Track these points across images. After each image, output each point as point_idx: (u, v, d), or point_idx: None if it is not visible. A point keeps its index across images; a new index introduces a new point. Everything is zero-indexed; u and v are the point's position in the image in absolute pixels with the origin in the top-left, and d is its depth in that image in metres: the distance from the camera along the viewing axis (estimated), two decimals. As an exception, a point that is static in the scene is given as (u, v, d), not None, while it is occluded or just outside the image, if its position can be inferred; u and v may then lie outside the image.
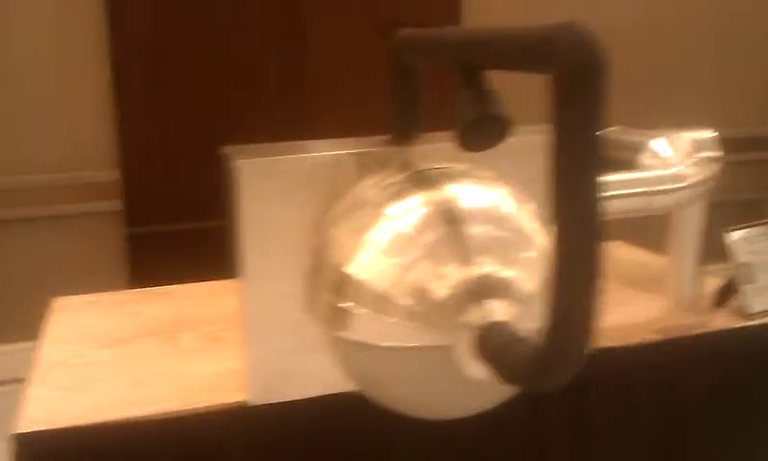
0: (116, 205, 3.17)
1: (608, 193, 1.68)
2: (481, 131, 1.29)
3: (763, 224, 1.97)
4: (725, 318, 1.90)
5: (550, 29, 0.95)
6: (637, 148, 2.03)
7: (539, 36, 0.97)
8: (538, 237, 1.41)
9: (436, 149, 1.53)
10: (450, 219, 1.36)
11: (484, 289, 1.29)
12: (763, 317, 1.88)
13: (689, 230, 1.91)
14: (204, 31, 3.19)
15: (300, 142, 1.59)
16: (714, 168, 1.95)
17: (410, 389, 1.37)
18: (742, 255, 1.92)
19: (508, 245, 1.38)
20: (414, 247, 1.31)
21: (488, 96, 1.30)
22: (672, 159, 1.96)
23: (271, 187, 1.44)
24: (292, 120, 3.25)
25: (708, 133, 2.09)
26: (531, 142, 1.59)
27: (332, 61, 3.30)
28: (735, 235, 1.93)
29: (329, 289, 1.36)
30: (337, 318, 1.35)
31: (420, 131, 1.63)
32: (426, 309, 1.28)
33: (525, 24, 1.05)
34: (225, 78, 3.25)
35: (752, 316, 1.88)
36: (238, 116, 3.27)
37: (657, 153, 2.01)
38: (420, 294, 1.28)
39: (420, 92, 1.61)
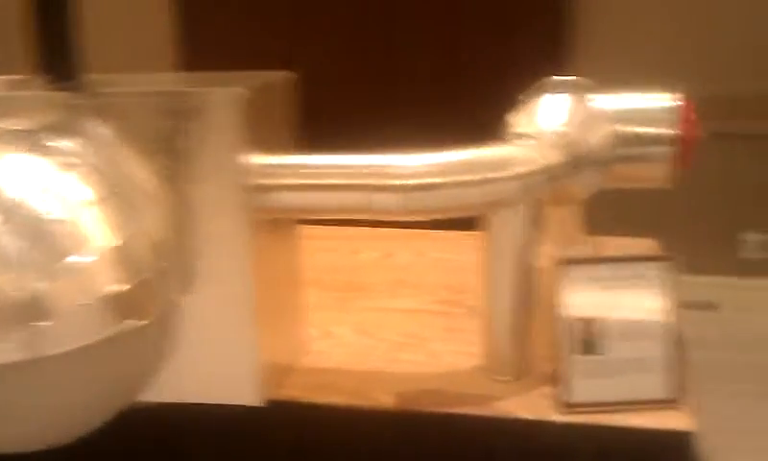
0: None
1: (293, 181, 1.14)
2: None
3: (615, 260, 1.16)
4: (528, 401, 1.18)
5: None
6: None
7: None
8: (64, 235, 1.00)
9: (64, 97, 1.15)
10: None
11: None
12: (586, 413, 1.13)
13: (501, 248, 1.21)
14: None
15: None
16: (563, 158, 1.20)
17: None
18: (577, 305, 1.16)
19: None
20: None
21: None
22: (533, 134, 1.25)
23: None
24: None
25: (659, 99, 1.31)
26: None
27: None
28: (573, 272, 1.17)
29: None
30: None
31: (81, 69, 1.25)
32: None
33: None
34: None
35: (571, 407, 1.14)
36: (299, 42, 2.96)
37: (533, 121, 1.31)
38: None
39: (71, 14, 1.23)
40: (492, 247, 1.21)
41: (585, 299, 1.15)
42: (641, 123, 1.30)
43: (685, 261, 3.03)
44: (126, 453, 1.25)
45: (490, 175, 1.10)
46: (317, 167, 1.15)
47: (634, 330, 1.15)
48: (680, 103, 1.29)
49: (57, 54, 1.23)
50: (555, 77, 1.54)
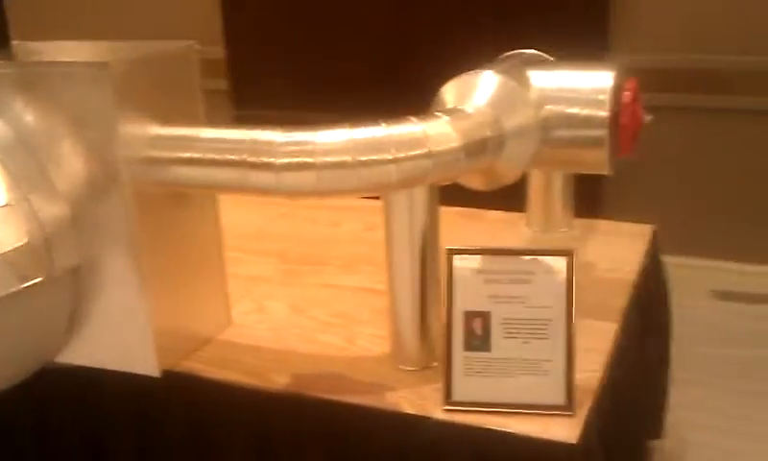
0: (222, 84, 3.14)
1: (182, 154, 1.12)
2: None
3: (511, 253, 1.06)
4: (418, 394, 1.12)
5: None
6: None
7: None
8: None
9: None
10: None
11: None
12: (467, 412, 1.06)
13: (397, 233, 1.14)
14: None
15: None
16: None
17: None
18: (464, 298, 1.08)
19: None
20: None
21: None
22: (453, 111, 1.18)
23: None
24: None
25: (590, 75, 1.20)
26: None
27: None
28: (463, 262, 1.09)
29: None
30: None
31: (7, 37, 1.28)
32: None
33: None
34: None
35: (451, 405, 1.07)
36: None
37: (462, 98, 1.23)
38: None
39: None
40: (389, 231, 1.15)
41: (474, 291, 1.08)
42: (572, 103, 1.20)
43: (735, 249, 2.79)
44: (36, 412, 1.30)
45: (362, 157, 1.04)
46: (197, 141, 1.12)
47: (525, 329, 1.07)
48: (613, 83, 1.18)
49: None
50: (516, 51, 1.45)
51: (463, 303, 1.08)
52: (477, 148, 1.12)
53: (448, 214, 1.69)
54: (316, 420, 1.13)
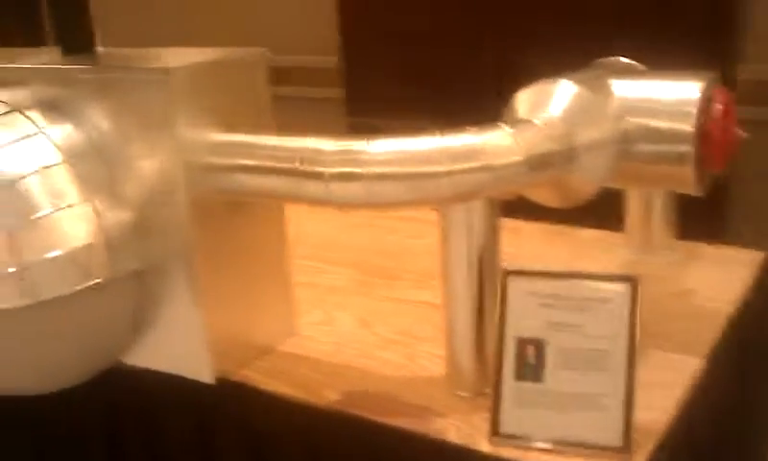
0: (338, 92, 3.12)
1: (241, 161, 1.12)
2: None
3: (570, 276, 0.96)
4: (468, 423, 1.04)
5: None
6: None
7: None
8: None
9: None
10: None
11: None
12: (517, 448, 0.97)
13: (455, 250, 1.07)
14: None
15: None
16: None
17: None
18: (518, 323, 0.99)
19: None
20: None
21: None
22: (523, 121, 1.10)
23: None
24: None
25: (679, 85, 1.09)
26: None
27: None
28: (519, 285, 1.00)
29: None
30: None
31: (92, 41, 1.32)
32: None
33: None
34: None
35: (499, 438, 0.99)
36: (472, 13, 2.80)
37: (535, 107, 1.15)
38: None
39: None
40: (445, 247, 1.09)
41: (528, 316, 1.00)
42: (656, 116, 1.09)
43: None
44: (104, 410, 1.33)
45: (413, 169, 0.99)
46: (254, 148, 1.11)
47: (582, 360, 0.98)
48: (701, 95, 1.06)
49: (70, 27, 1.32)
50: (608, 58, 1.35)
51: (515, 328, 1.01)
52: (541, 162, 1.04)
53: (534, 231, 1.64)
54: (360, 440, 1.09)
